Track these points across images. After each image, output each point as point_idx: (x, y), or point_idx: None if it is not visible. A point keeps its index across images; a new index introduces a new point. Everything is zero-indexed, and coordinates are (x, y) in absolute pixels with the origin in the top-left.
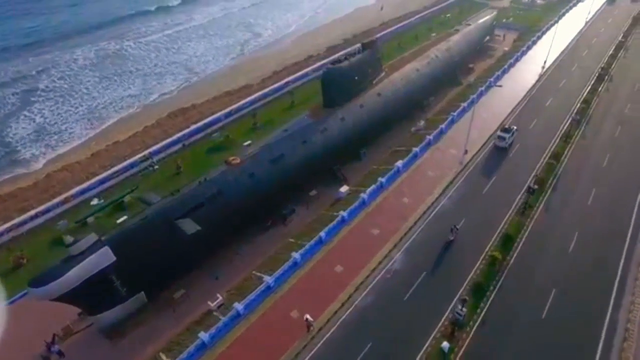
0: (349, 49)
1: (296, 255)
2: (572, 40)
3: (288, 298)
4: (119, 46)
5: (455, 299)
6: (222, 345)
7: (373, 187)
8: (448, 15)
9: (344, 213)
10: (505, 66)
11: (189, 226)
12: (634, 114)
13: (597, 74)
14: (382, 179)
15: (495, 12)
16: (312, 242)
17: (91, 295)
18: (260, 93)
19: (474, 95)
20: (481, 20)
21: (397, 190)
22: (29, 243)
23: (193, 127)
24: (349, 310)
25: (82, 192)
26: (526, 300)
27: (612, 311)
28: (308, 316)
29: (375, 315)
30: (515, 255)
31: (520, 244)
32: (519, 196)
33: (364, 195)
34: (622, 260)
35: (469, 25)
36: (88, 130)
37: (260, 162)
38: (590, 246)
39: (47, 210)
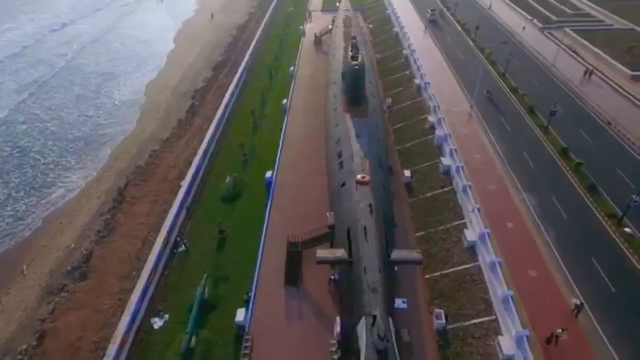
0: None
1: (485, 230)
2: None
3: (511, 269)
4: None
5: (589, 203)
6: None
7: (449, 158)
8: (291, 8)
9: (465, 182)
10: (406, 40)
11: (413, 255)
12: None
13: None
14: (451, 146)
15: None
16: (473, 216)
17: None
18: (215, 121)
19: (422, 70)
20: (349, 5)
21: (463, 152)
22: None
23: (185, 184)
24: (554, 249)
25: (132, 319)
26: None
27: None
28: (575, 299)
29: (567, 239)
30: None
31: (569, 151)
32: (526, 119)
33: (456, 164)
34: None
35: (347, 9)
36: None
37: (379, 171)
38: (592, 136)
39: None
